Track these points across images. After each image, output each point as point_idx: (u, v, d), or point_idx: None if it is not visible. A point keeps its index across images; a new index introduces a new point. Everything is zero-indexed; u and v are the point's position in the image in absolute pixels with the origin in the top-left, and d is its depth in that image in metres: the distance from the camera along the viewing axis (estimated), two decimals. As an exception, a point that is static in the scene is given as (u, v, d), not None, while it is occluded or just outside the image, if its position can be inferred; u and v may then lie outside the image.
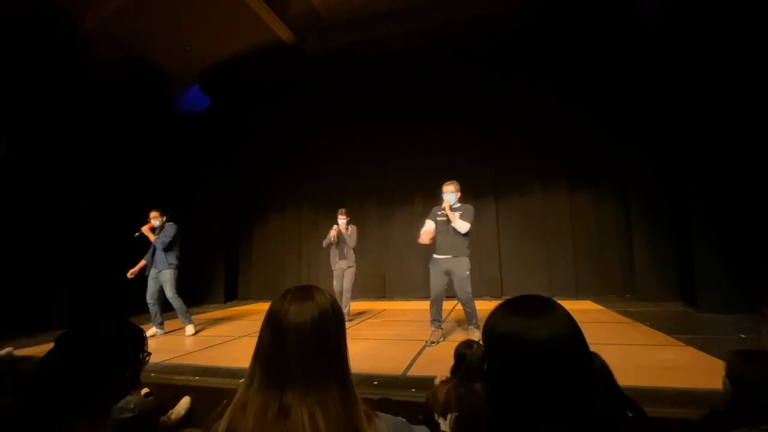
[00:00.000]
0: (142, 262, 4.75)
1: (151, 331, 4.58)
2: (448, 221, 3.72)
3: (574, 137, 6.53)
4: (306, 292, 0.83)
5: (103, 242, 6.25)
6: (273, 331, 0.79)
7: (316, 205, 8.05)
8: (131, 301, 6.30)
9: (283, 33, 6.56)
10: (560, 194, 6.64)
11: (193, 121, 7.82)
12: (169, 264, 4.61)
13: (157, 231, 4.70)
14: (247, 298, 8.29)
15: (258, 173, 8.50)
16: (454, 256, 3.70)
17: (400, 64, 7.20)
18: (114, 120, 6.60)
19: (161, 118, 7.43)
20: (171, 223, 4.77)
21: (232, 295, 8.23)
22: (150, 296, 4.62)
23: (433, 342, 3.56)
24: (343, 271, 5.24)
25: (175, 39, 6.54)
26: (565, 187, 6.62)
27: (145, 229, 4.69)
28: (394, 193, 7.51)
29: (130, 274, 4.69)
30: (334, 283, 5.29)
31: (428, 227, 3.82)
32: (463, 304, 3.75)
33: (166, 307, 4.73)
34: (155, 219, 4.71)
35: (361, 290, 7.57)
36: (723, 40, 4.41)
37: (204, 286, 7.86)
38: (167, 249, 4.61)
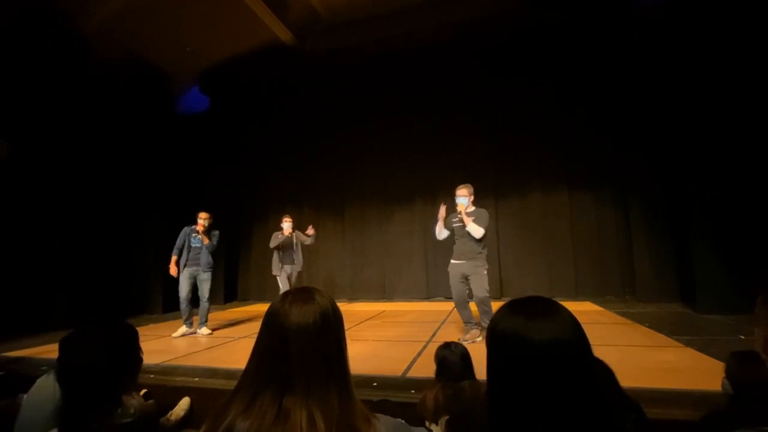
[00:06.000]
0: (175, 258, 4.74)
1: (181, 329, 4.62)
2: (464, 226, 3.75)
3: (574, 138, 6.53)
4: (306, 293, 0.82)
5: (104, 242, 6.25)
6: (273, 334, 0.77)
7: (317, 206, 8.05)
8: (131, 301, 6.32)
9: (283, 34, 6.57)
10: (560, 195, 6.64)
11: (193, 122, 7.81)
12: (212, 266, 4.84)
13: (204, 233, 4.77)
14: (247, 299, 8.27)
15: (258, 174, 8.49)
16: (468, 260, 3.75)
17: (399, 65, 7.20)
18: (113, 120, 6.60)
19: (161, 118, 7.42)
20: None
21: (232, 296, 8.22)
22: (187, 296, 4.69)
23: (465, 340, 3.51)
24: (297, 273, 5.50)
25: (175, 40, 6.54)
26: (564, 187, 6.62)
27: (201, 229, 4.73)
28: (394, 194, 7.50)
29: (174, 272, 4.71)
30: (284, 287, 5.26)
31: (441, 236, 3.98)
32: (478, 304, 3.72)
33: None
34: (207, 220, 4.79)
35: (361, 291, 7.57)
36: (723, 42, 4.42)
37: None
38: (212, 252, 4.83)
